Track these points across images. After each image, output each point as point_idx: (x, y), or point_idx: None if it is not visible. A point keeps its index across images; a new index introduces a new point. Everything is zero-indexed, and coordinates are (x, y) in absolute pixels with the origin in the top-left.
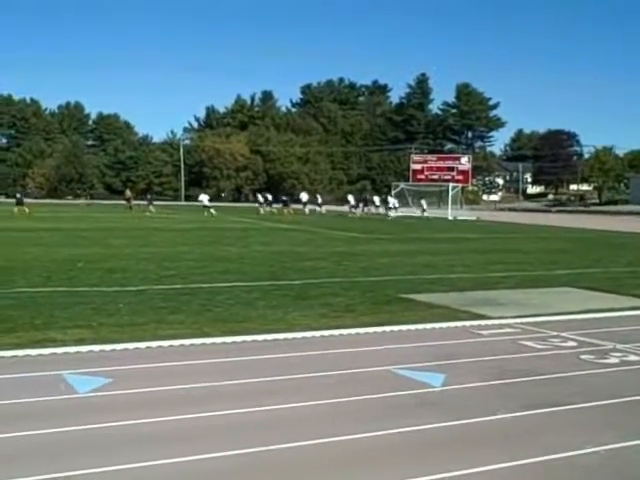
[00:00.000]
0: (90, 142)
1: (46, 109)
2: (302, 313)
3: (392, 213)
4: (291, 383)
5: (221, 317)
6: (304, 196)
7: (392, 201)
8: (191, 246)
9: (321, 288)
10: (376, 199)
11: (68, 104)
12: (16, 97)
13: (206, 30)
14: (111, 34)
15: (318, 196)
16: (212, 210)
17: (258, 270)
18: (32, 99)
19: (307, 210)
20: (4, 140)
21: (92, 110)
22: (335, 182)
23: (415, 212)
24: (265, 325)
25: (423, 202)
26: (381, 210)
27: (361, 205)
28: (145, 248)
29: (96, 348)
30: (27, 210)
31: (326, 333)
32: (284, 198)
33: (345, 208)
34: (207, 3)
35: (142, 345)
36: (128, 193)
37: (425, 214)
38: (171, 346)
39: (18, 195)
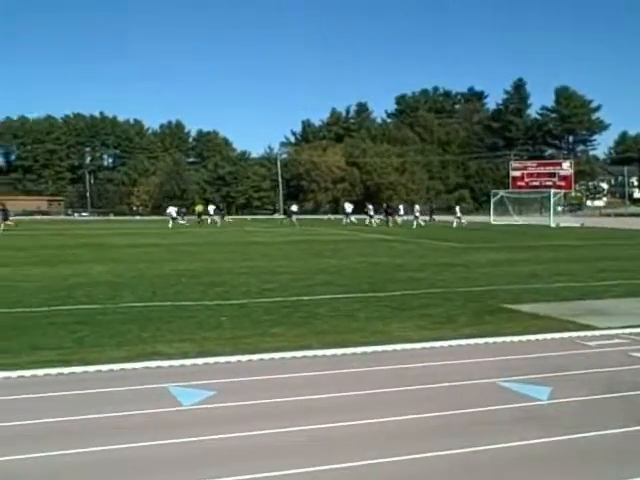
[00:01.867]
0: (191, 159)
1: (148, 129)
2: (402, 324)
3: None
4: (392, 396)
5: (322, 329)
6: (417, 207)
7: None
8: (290, 259)
9: (421, 299)
10: (417, 207)
11: (169, 123)
12: (120, 118)
13: (301, 45)
14: (209, 54)
15: (417, 207)
16: (294, 220)
17: (358, 282)
18: (135, 120)
19: (399, 220)
20: (110, 160)
21: (192, 128)
22: (432, 192)
23: (517, 220)
24: (365, 337)
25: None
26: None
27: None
28: (245, 262)
29: (200, 361)
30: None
31: (427, 345)
32: (386, 208)
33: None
34: (300, 19)
35: (245, 358)
36: (200, 208)
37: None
38: (273, 359)
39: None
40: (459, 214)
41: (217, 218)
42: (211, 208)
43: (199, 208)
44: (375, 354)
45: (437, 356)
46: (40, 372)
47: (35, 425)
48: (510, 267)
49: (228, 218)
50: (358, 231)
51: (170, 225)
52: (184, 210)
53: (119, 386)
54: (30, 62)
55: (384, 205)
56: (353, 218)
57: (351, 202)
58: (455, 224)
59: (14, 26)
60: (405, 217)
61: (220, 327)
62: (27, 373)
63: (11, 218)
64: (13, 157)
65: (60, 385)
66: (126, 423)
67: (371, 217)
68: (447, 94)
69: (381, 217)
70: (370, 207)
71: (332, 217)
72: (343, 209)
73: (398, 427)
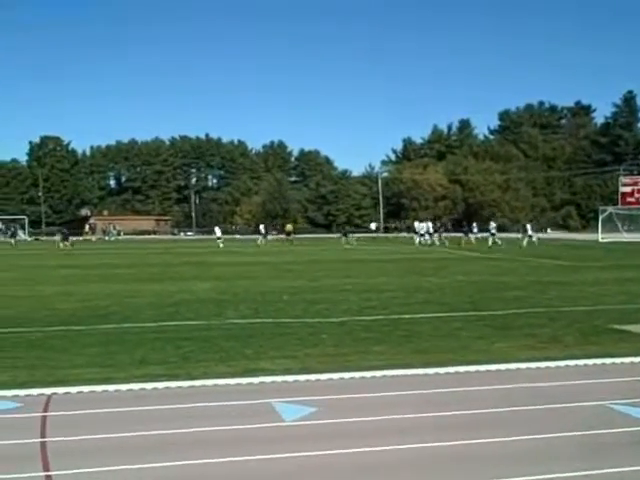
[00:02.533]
0: (293, 178)
1: (252, 149)
2: (506, 344)
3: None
4: (496, 416)
5: (423, 348)
6: (492, 224)
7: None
8: (390, 277)
9: (525, 318)
10: (492, 224)
11: (272, 143)
12: (225, 140)
13: (401, 63)
14: (311, 75)
15: (528, 225)
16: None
17: (459, 300)
18: (239, 141)
19: (473, 239)
20: (215, 180)
21: (294, 148)
22: (537, 209)
23: (626, 237)
24: (468, 356)
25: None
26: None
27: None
28: (345, 279)
29: (302, 378)
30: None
31: (532, 365)
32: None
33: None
34: (400, 37)
35: (346, 375)
36: (289, 227)
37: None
38: (374, 377)
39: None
40: (530, 232)
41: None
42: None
43: (289, 227)
44: (478, 374)
45: (543, 377)
46: (148, 386)
47: (145, 437)
48: (618, 286)
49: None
50: (458, 249)
51: (260, 242)
52: (276, 229)
53: (224, 401)
54: (139, 88)
55: (437, 223)
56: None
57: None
58: (525, 242)
59: (125, 56)
60: (479, 235)
61: (321, 344)
62: (136, 387)
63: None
64: (123, 179)
65: (168, 399)
66: (230, 437)
67: (422, 235)
68: (553, 109)
69: (442, 235)
70: (423, 225)
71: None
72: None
73: (503, 448)
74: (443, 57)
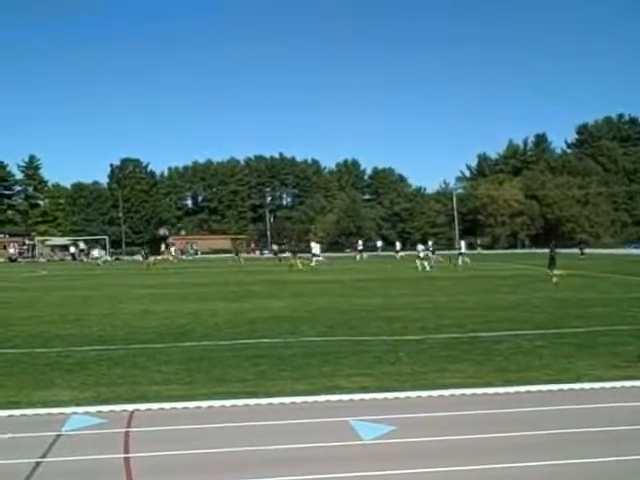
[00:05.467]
0: (366, 196)
1: (325, 168)
2: (588, 362)
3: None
4: (579, 437)
5: (502, 366)
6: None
7: None
8: (466, 294)
9: (608, 336)
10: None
11: (345, 162)
12: (299, 159)
13: (474, 79)
14: (381, 92)
15: (462, 242)
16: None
17: (538, 318)
18: (313, 159)
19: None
20: (289, 199)
21: (367, 166)
22: (618, 224)
23: None
24: (549, 375)
25: None
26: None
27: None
28: (421, 297)
29: (379, 396)
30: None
31: (617, 384)
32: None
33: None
34: (473, 54)
35: (424, 394)
36: (360, 244)
37: None
38: (453, 395)
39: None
40: (463, 250)
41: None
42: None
43: (359, 244)
44: (561, 392)
45: (629, 397)
46: (228, 403)
47: (226, 454)
48: None
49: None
50: (535, 265)
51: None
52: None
53: (302, 418)
54: (213, 109)
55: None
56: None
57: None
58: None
59: (200, 78)
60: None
61: (398, 362)
62: (216, 404)
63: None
64: (200, 199)
65: (247, 416)
66: (310, 455)
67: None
68: (633, 121)
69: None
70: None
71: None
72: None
73: (587, 470)
74: (517, 71)
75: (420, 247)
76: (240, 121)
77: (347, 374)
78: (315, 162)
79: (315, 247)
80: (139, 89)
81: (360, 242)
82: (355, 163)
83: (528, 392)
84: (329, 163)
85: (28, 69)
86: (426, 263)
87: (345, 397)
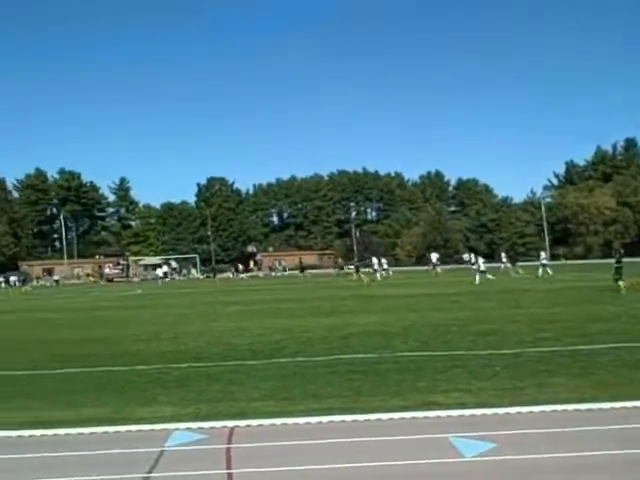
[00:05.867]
0: (452, 208)
1: (408, 180)
2: None
3: None
4: None
5: (605, 380)
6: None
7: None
8: (562, 306)
9: None
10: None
11: (429, 173)
12: (382, 172)
13: (557, 85)
14: (463, 105)
15: (433, 255)
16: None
17: (639, 329)
18: (396, 172)
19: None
20: (374, 213)
21: (451, 177)
22: None
23: None
24: None
25: None
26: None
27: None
28: (515, 310)
29: (478, 412)
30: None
31: None
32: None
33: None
34: (556, 55)
35: (524, 409)
36: (434, 256)
37: None
38: (555, 411)
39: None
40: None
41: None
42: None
43: (434, 256)
44: None
45: None
46: (325, 419)
47: (325, 471)
48: None
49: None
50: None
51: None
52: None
53: (401, 435)
54: (296, 126)
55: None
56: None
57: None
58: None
59: (283, 95)
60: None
61: (495, 377)
62: (313, 420)
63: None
64: (285, 215)
65: (344, 432)
66: (411, 472)
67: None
68: None
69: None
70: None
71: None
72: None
73: None
74: (601, 76)
75: (480, 260)
76: (322, 137)
77: (444, 389)
78: (398, 175)
79: (375, 261)
80: (223, 109)
81: (434, 255)
82: (439, 174)
83: (635, 407)
84: (413, 175)
85: (116, 95)
86: (489, 275)
87: (443, 413)
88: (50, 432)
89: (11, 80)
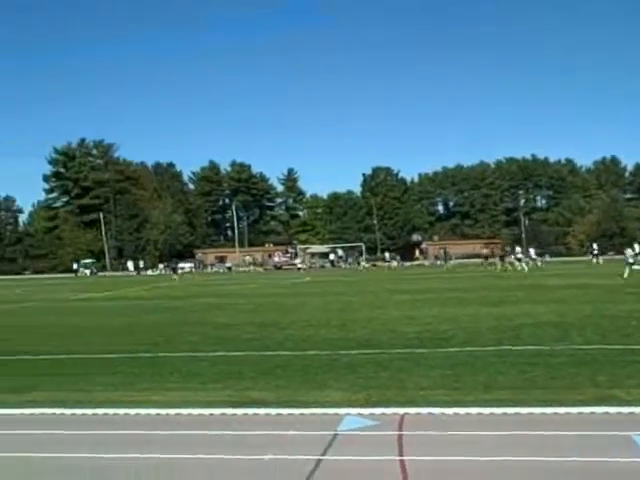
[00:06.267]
0: (628, 195)
1: (581, 167)
2: None
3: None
4: None
5: None
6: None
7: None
8: None
9: None
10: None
11: (603, 159)
12: (552, 159)
13: None
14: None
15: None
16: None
17: None
18: (567, 159)
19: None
20: (544, 201)
21: (628, 162)
22: None
23: None
24: None
25: None
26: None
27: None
28: None
29: None
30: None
31: None
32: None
33: None
34: None
35: None
36: (595, 247)
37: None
38: None
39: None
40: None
41: None
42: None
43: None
44: None
45: None
46: (498, 411)
47: (498, 463)
48: None
49: None
50: None
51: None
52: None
53: (578, 430)
54: (462, 113)
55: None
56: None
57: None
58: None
59: (444, 81)
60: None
61: None
62: (485, 411)
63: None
64: (451, 204)
65: (516, 425)
66: (592, 469)
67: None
68: None
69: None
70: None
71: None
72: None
73: None
74: None
75: (629, 252)
76: (489, 124)
77: (625, 385)
78: (570, 161)
79: (518, 250)
80: (386, 98)
81: (595, 245)
82: (614, 160)
83: None
84: (586, 162)
85: (285, 89)
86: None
87: (625, 410)
88: (217, 411)
89: (185, 75)
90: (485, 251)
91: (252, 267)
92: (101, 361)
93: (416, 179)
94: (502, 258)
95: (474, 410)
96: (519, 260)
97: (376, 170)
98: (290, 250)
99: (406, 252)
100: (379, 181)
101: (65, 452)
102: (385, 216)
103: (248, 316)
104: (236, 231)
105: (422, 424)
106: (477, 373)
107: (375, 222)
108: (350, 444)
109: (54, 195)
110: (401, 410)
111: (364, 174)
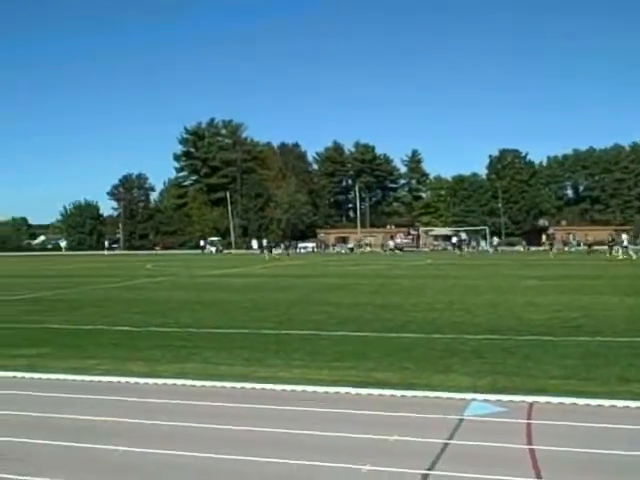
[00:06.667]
0: None
1: None
2: None
3: None
4: None
5: None
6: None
7: None
8: None
9: None
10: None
11: None
12: None
13: None
14: None
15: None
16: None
17: None
18: None
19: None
20: None
21: None
22: None
23: None
24: None
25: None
26: None
27: None
28: None
29: None
30: None
31: None
32: None
33: None
34: None
35: None
36: None
37: None
38: None
39: None
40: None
41: None
42: None
43: None
44: None
45: None
46: (632, 404)
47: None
48: None
49: None
50: None
51: None
52: None
53: None
54: (594, 94)
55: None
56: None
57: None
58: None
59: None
60: None
61: None
62: (619, 403)
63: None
64: (581, 188)
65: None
66: None
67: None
68: None
69: None
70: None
71: None
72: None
73: None
74: None
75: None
76: (622, 104)
77: None
78: None
79: (625, 237)
80: (516, 78)
81: None
82: None
83: None
84: None
85: (401, 69)
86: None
87: None
88: (342, 390)
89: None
90: (590, 239)
91: (367, 248)
92: (229, 336)
93: (544, 162)
94: (610, 246)
95: (607, 402)
96: (625, 248)
97: (503, 152)
98: (412, 232)
99: (532, 237)
100: (506, 164)
101: (208, 423)
102: (511, 199)
103: (370, 297)
104: (358, 212)
105: (552, 413)
106: (610, 364)
107: (500, 205)
108: (476, 430)
109: (184, 174)
110: (529, 398)
111: (490, 156)
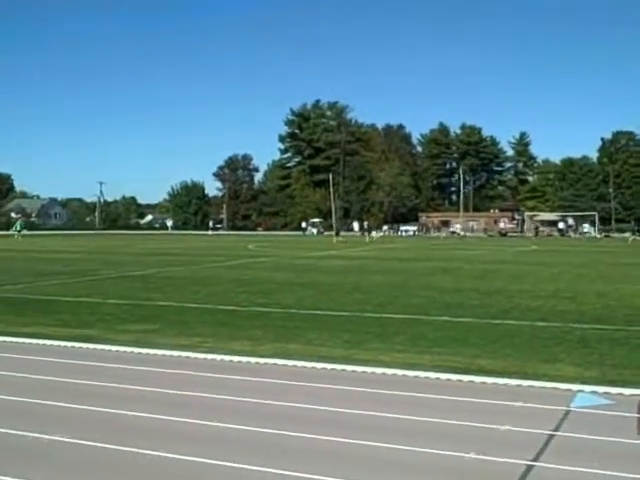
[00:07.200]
0: None
1: None
2: None
3: None
4: None
5: None
6: None
7: None
8: None
9: None
10: None
11: None
12: None
13: None
14: None
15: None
16: None
17: None
18: None
19: None
20: None
21: None
22: None
23: None
24: None
25: None
26: None
27: None
28: None
29: None
30: None
31: None
32: None
33: None
34: None
35: None
36: None
37: None
38: None
39: None
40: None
41: None
42: None
43: None
44: None
45: None
46: None
47: None
48: None
49: None
50: None
51: None
52: None
53: None
54: None
55: None
56: None
57: None
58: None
59: None
60: None
61: None
62: None
63: None
64: None
65: None
66: None
67: None
68: None
69: None
70: None
71: None
72: None
73: None
74: None
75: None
76: None
77: None
78: None
79: None
80: (622, 58)
81: None
82: None
83: None
84: None
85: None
86: None
87: None
88: (443, 376)
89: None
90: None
91: (465, 233)
92: (330, 318)
93: None
94: None
95: None
96: None
97: (617, 135)
98: (517, 217)
99: None
100: (619, 147)
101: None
102: (623, 184)
103: (473, 282)
104: (461, 195)
105: None
106: None
107: (611, 190)
108: (584, 422)
109: (288, 155)
110: (638, 391)
111: (603, 139)
